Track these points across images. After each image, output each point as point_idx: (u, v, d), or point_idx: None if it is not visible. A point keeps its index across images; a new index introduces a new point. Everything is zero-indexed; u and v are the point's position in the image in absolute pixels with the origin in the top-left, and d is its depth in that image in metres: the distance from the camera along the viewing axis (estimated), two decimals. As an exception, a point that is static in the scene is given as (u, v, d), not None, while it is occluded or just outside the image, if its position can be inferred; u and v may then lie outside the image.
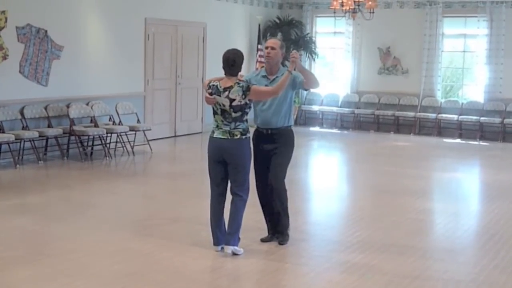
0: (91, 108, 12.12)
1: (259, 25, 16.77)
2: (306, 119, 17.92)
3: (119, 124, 12.46)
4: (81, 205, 8.55)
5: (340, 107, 17.44)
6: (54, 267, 6.02)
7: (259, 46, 16.39)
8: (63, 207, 8.39)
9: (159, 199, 9.21)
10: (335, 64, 18.23)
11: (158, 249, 6.62)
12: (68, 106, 11.80)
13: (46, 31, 11.53)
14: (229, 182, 6.54)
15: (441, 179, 11.45)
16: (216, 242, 6.55)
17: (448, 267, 6.38)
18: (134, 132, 12.52)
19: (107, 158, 11.83)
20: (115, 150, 12.37)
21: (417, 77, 16.58)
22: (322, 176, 11.77)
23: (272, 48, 6.70)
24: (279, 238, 6.89)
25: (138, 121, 12.91)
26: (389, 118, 16.85)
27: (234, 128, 6.36)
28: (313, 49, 17.35)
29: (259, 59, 16.17)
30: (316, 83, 6.75)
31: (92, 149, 12.04)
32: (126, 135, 12.35)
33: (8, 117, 10.91)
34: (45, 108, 11.54)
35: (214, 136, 6.45)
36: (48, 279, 5.72)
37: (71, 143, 11.82)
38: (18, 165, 10.70)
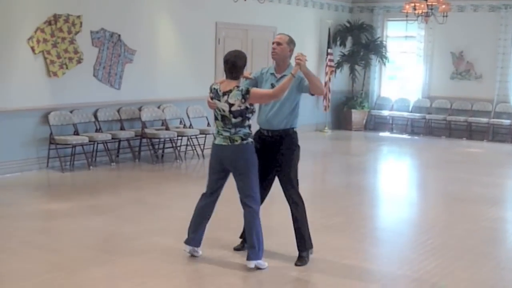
0: (163, 111, 12.29)
1: (329, 29, 16.70)
2: (376, 124, 17.75)
3: (189, 127, 12.58)
4: (152, 206, 8.66)
5: (411, 112, 17.22)
6: (127, 268, 6.11)
7: (329, 51, 16.33)
8: (135, 208, 8.52)
9: (229, 202, 9.18)
10: (406, 68, 17.98)
11: (230, 252, 6.63)
12: (140, 109, 11.99)
13: (119, 35, 11.75)
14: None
15: (515, 187, 11.18)
16: (187, 241, 6.42)
17: (525, 277, 6.22)
18: (204, 135, 12.62)
19: (178, 160, 11.97)
20: (185, 153, 12.52)
21: (491, 82, 16.22)
22: (392, 182, 11.61)
23: (278, 44, 6.29)
24: (297, 260, 6.36)
25: (208, 124, 12.98)
26: (461, 124, 16.53)
27: (235, 134, 6.04)
28: (383, 53, 17.18)
29: (328, 63, 16.10)
30: (319, 89, 6.29)
31: (163, 151, 12.20)
32: (196, 138, 12.47)
33: (83, 120, 11.16)
34: (118, 111, 11.75)
35: (216, 142, 6.20)
36: (121, 279, 5.81)
37: (142, 146, 12.02)
38: (91, 167, 10.93)
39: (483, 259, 6.72)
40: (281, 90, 6.00)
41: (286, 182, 6.36)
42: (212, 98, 6.14)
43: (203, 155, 12.42)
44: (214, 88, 6.14)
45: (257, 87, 6.29)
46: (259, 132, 6.45)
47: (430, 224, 8.23)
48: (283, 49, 6.30)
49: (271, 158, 6.33)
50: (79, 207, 8.41)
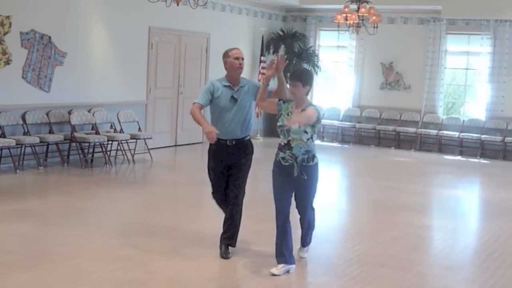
0: (93, 115, 12.13)
1: (262, 37, 16.81)
2: (307, 132, 17.87)
3: (120, 132, 12.46)
4: (80, 211, 8.53)
5: (342, 121, 17.47)
6: (53, 273, 6.00)
7: (262, 58, 16.44)
8: (63, 213, 8.38)
9: (159, 207, 9.20)
10: (337, 78, 18.23)
11: (157, 257, 6.61)
12: (69, 113, 11.81)
13: (50, 37, 11.56)
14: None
15: (440, 196, 11.45)
16: None
17: (447, 283, 6.38)
18: (135, 140, 12.53)
19: (108, 165, 11.84)
20: (115, 158, 12.39)
21: (419, 93, 16.62)
22: (322, 189, 11.70)
23: (243, 59, 6.80)
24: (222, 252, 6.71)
25: (139, 129, 12.91)
26: (390, 133, 16.86)
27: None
28: (315, 63, 17.37)
29: (262, 71, 16.20)
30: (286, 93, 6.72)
31: (92, 156, 12.05)
32: (127, 143, 12.36)
33: (10, 122, 10.93)
34: (47, 114, 11.55)
35: None
36: (46, 285, 5.71)
37: (71, 150, 11.83)
38: (18, 170, 10.71)
39: (408, 265, 6.85)
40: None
41: (240, 184, 6.86)
42: None
43: (133, 160, 12.32)
44: None
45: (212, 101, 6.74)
46: (216, 144, 6.65)
47: (357, 231, 8.38)
48: (243, 64, 6.78)
49: (230, 162, 6.76)
50: (4, 211, 8.21)
